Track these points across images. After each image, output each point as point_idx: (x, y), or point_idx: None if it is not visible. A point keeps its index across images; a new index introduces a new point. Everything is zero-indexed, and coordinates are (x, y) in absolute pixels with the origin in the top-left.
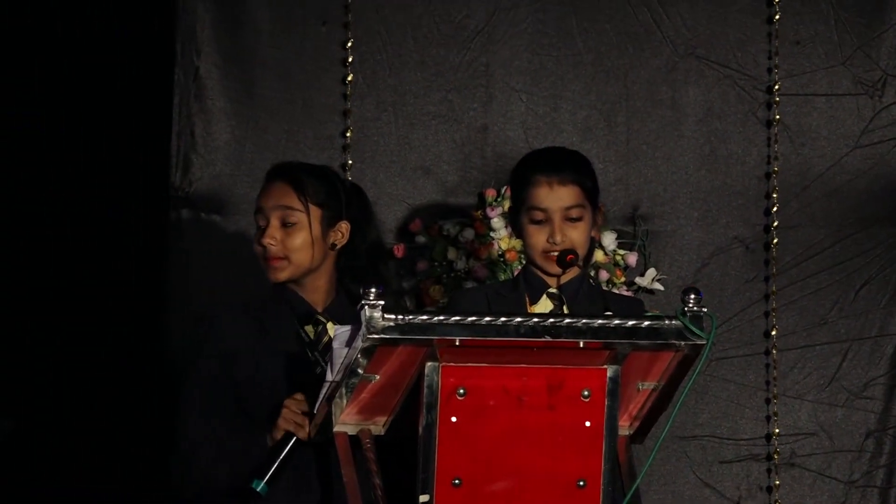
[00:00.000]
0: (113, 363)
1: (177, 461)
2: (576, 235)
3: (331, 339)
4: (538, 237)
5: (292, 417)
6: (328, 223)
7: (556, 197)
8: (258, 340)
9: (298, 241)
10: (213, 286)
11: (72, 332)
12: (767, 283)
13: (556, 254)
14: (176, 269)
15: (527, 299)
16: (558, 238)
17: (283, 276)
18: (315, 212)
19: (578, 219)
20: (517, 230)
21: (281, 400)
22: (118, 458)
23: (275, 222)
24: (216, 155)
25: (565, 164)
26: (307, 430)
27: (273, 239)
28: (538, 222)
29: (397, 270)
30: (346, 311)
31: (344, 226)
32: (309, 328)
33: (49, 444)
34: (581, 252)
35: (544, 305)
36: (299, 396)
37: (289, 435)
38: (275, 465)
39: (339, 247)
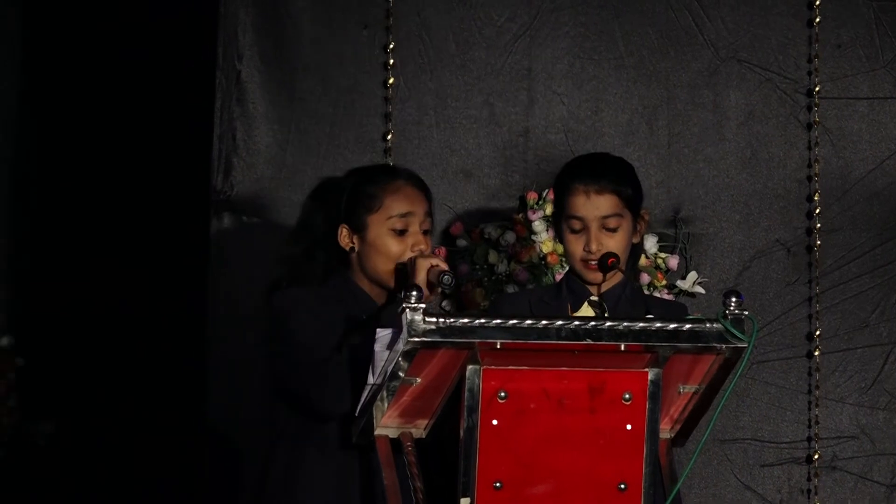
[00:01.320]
0: (154, 370)
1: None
2: (613, 244)
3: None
4: (576, 245)
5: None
6: None
7: (593, 206)
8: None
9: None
10: (255, 292)
11: (113, 337)
12: (809, 286)
13: (594, 262)
14: (218, 273)
15: (569, 306)
16: (594, 247)
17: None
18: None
19: (615, 228)
20: (559, 237)
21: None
22: (154, 461)
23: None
24: (257, 158)
25: (604, 173)
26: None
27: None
28: (576, 231)
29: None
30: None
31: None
32: None
33: (89, 447)
34: (621, 258)
35: (585, 313)
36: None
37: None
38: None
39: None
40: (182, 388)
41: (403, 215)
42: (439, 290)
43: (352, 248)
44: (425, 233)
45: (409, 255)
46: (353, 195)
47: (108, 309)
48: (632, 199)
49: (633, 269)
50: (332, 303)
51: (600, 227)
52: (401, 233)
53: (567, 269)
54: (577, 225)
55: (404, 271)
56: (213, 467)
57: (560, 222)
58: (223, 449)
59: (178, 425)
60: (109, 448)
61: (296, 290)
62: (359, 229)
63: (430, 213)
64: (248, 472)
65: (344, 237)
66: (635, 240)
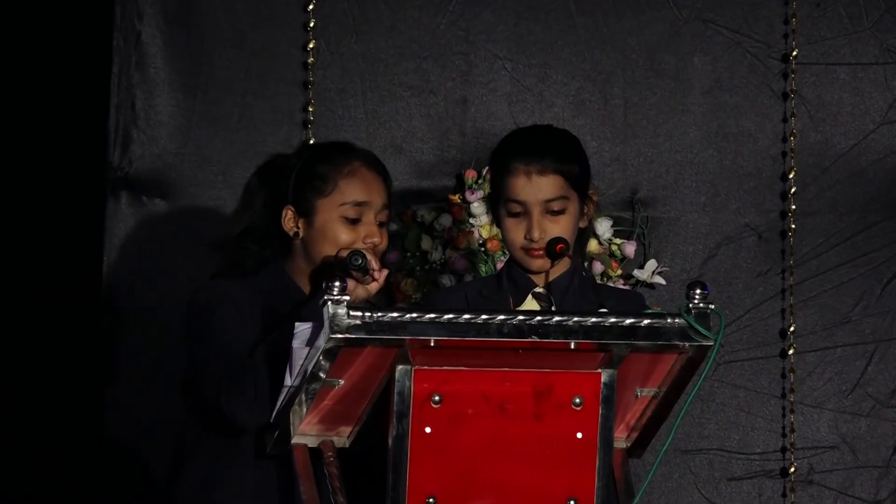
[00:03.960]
0: (45, 359)
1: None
2: (557, 230)
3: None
4: (515, 232)
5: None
6: None
7: (535, 188)
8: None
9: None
10: (156, 278)
11: (2, 325)
12: (783, 276)
13: (537, 250)
14: (114, 257)
15: (510, 300)
16: (536, 234)
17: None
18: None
19: (560, 211)
20: (496, 220)
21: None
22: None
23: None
24: (160, 131)
25: (547, 150)
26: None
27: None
28: (516, 215)
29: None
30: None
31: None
32: None
33: None
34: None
35: (529, 307)
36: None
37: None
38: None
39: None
40: (75, 389)
41: (358, 203)
42: (358, 275)
43: (296, 234)
44: (380, 225)
45: (358, 246)
46: (302, 174)
47: None
48: (579, 179)
49: (581, 256)
50: (260, 297)
51: (543, 212)
52: (353, 221)
53: (508, 257)
54: (516, 209)
55: (330, 264)
56: (111, 485)
57: (497, 205)
58: (124, 465)
59: (70, 431)
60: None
61: (221, 282)
62: (306, 213)
63: (388, 205)
64: (152, 490)
65: (288, 220)
66: (582, 224)
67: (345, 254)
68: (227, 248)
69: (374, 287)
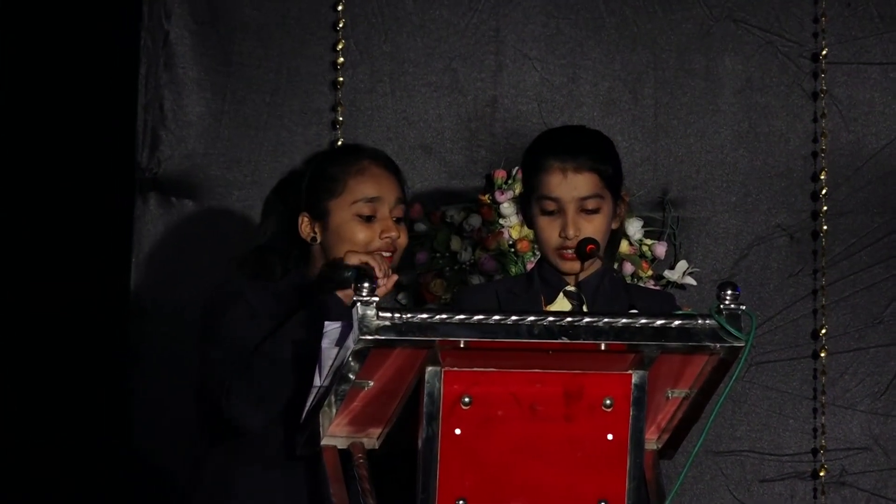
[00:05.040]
0: (74, 360)
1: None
2: (591, 229)
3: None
4: (550, 230)
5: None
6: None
7: (571, 186)
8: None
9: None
10: (184, 278)
11: (30, 327)
12: (815, 277)
13: (569, 250)
14: (142, 258)
15: (542, 299)
16: (571, 232)
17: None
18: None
19: (595, 210)
20: (528, 220)
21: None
22: (74, 461)
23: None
24: (188, 131)
25: (582, 148)
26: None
27: (395, 231)
28: (550, 213)
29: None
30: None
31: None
32: None
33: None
34: (600, 245)
35: (560, 306)
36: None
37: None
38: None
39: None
40: (101, 390)
41: (370, 199)
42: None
43: (313, 239)
44: (398, 221)
45: (377, 244)
46: (314, 179)
47: (23, 299)
48: (612, 179)
49: (612, 258)
50: (274, 301)
51: (577, 210)
52: (368, 219)
53: (539, 256)
54: (550, 206)
55: (333, 265)
56: (138, 487)
57: (530, 203)
58: (151, 469)
59: (96, 433)
60: (22, 446)
61: (237, 282)
62: (321, 216)
63: (402, 200)
64: (176, 492)
65: (305, 226)
66: (614, 226)
67: (353, 259)
68: (249, 263)
69: (380, 292)
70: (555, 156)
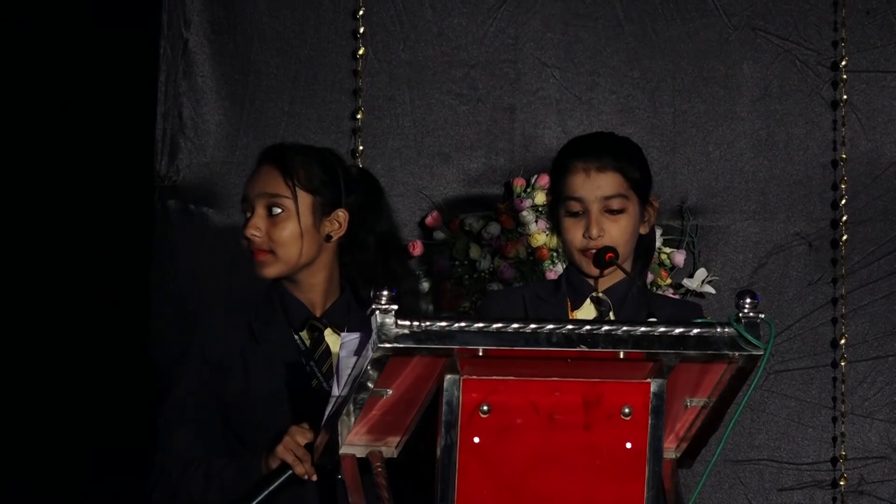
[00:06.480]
0: (94, 367)
1: (159, 481)
2: (616, 231)
3: (327, 348)
4: (574, 231)
5: (293, 448)
6: (322, 212)
7: (594, 185)
8: (250, 349)
9: (286, 233)
10: (203, 286)
11: (50, 332)
12: (834, 285)
13: (594, 252)
14: (161, 266)
15: (569, 304)
16: (594, 232)
17: (270, 271)
18: (305, 199)
19: (620, 211)
20: (556, 226)
21: (274, 420)
22: (95, 465)
23: (260, 211)
24: (207, 139)
25: (606, 149)
26: (307, 467)
27: (257, 229)
28: (574, 214)
29: (413, 268)
30: (351, 313)
31: (342, 214)
32: (304, 334)
33: (22, 448)
34: (622, 250)
35: (587, 311)
36: (305, 425)
37: (285, 467)
38: (261, 497)
39: (335, 238)
40: (124, 390)
41: (243, 199)
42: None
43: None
44: (272, 214)
45: (246, 243)
46: None
47: (43, 305)
48: (639, 182)
49: (644, 266)
50: (243, 314)
51: (602, 210)
52: (246, 220)
53: (567, 263)
54: (575, 207)
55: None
56: (156, 485)
57: (557, 210)
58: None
59: (114, 438)
60: (43, 450)
61: (203, 324)
62: None
63: (288, 195)
64: None
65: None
66: (643, 230)
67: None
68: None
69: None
70: (578, 157)
